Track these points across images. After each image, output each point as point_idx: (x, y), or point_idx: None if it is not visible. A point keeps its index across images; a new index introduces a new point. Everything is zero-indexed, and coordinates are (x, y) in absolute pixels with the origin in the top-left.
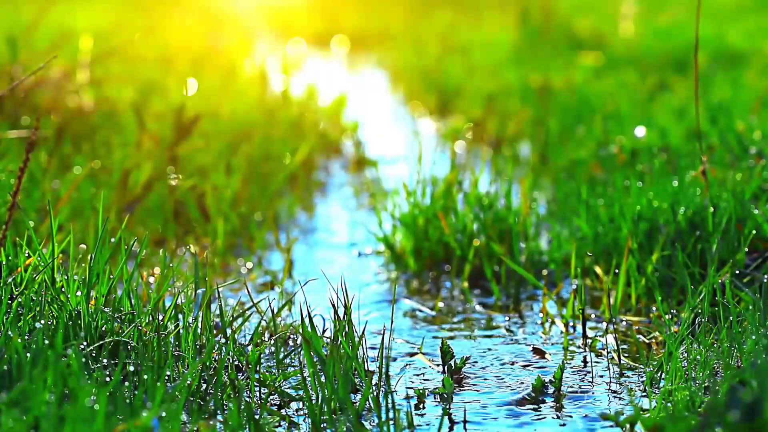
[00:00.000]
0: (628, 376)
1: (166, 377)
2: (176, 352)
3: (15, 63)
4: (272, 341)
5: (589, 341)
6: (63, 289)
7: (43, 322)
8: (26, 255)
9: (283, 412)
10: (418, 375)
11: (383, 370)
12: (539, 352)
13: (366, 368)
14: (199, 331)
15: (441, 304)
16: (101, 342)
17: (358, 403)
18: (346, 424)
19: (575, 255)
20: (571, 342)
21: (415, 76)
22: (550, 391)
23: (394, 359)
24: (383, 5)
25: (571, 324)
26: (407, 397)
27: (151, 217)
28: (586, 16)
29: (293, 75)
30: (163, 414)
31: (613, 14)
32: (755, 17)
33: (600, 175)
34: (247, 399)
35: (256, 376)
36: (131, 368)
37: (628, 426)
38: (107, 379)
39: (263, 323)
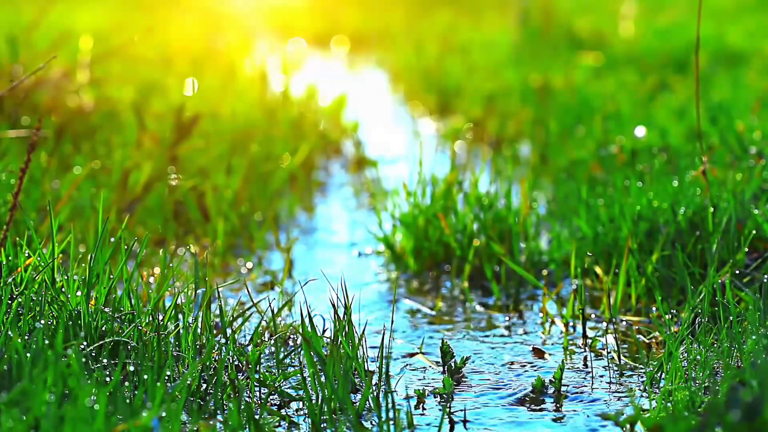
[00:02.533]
0: (628, 376)
1: (166, 377)
2: (176, 352)
3: (15, 63)
4: (272, 341)
5: (589, 341)
6: (63, 289)
7: (43, 322)
8: (26, 255)
9: (283, 412)
10: (418, 375)
11: (383, 370)
12: (539, 352)
13: (366, 368)
14: (199, 331)
15: (441, 304)
16: (101, 342)
17: (358, 403)
18: (346, 424)
19: (575, 255)
20: (571, 342)
21: (415, 76)
22: (550, 391)
23: (395, 359)
24: (383, 5)
25: (571, 324)
26: (407, 397)
27: (151, 217)
28: (586, 16)
29: (293, 75)
30: (163, 414)
31: (613, 14)
32: (755, 17)
33: (600, 175)
34: (247, 399)
35: (256, 376)
36: (131, 368)
37: (628, 426)
38: (107, 379)
39: (263, 323)
